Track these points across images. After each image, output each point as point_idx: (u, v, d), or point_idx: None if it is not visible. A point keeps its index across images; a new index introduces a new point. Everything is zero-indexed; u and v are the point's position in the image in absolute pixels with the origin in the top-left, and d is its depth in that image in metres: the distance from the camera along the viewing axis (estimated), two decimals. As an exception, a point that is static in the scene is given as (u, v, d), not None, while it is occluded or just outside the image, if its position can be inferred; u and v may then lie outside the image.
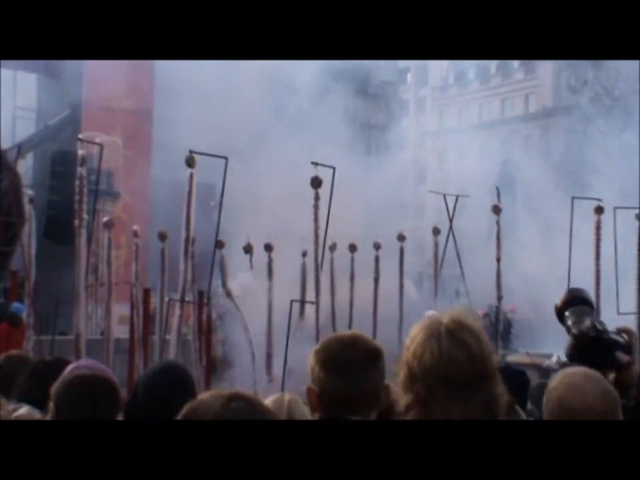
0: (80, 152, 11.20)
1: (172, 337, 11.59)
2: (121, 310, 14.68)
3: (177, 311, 11.55)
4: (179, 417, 1.80)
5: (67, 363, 4.14)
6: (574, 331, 5.08)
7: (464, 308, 2.35)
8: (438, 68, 60.94)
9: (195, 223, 11.15)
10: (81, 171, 10.95)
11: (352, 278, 15.93)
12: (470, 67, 59.27)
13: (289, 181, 18.68)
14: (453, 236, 14.74)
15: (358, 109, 26.07)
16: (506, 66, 57.79)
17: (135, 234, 13.09)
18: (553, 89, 54.02)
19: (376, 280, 15.89)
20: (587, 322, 4.85)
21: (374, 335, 13.79)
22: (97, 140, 14.13)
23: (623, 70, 44.30)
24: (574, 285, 12.81)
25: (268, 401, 3.55)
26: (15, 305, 13.32)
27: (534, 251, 26.22)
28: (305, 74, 21.73)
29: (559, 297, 6.23)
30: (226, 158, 11.18)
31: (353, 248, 16.01)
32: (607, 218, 12.75)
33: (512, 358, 15.11)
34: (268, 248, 14.84)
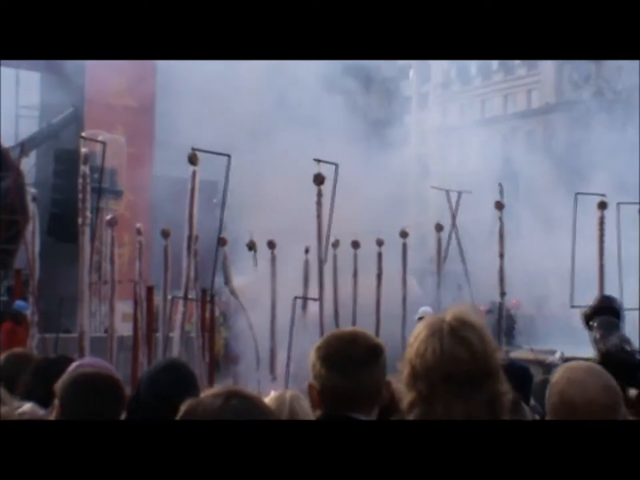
0: (83, 150, 11.21)
1: (175, 334, 11.62)
2: (124, 307, 14.68)
3: (180, 309, 11.58)
4: (179, 416, 1.79)
5: (70, 360, 4.15)
6: (600, 346, 5.02)
7: (467, 305, 2.35)
8: (440, 64, 60.84)
9: (198, 221, 11.17)
10: (84, 169, 10.97)
11: (355, 274, 15.93)
12: (472, 63, 59.16)
13: (291, 177, 18.68)
14: (456, 232, 14.74)
15: (360, 106, 26.04)
16: (508, 62, 57.70)
17: (138, 232, 13.10)
18: (555, 85, 53.92)
19: (379, 276, 15.88)
20: (614, 339, 4.79)
21: (377, 332, 13.80)
22: (100, 138, 14.17)
23: (625, 64, 44.21)
24: (577, 280, 12.85)
25: (270, 398, 3.55)
26: (18, 303, 13.34)
27: (537, 246, 26.21)
28: (307, 71, 21.72)
29: (589, 302, 6.14)
30: (228, 155, 11.20)
31: (355, 244, 16.01)
32: (609, 213, 12.75)
33: (515, 354, 15.09)
34: (271, 245, 14.85)
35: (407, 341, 2.30)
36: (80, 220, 10.84)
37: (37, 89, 25.62)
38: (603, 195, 12.88)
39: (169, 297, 12.07)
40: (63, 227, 19.42)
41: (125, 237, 18.17)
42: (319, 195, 11.98)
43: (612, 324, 5.57)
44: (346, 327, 6.09)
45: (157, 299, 12.86)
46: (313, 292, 13.21)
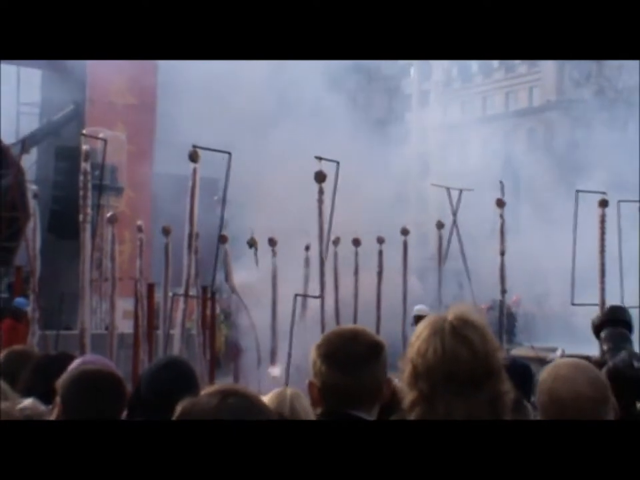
0: (84, 147, 11.21)
1: (176, 331, 11.62)
2: (125, 305, 14.68)
3: (181, 306, 11.58)
4: (175, 416, 1.78)
5: (71, 357, 4.14)
6: (608, 360, 4.99)
7: (469, 304, 2.35)
8: (441, 62, 60.75)
9: (199, 218, 11.17)
10: (85, 166, 10.96)
11: (356, 272, 15.94)
12: (473, 61, 59.17)
13: (292, 175, 18.68)
14: (457, 230, 14.73)
15: (361, 103, 26.04)
16: (509, 60, 57.67)
17: (139, 229, 13.10)
18: (556, 83, 53.90)
19: (379, 274, 15.88)
20: (623, 354, 4.76)
21: (377, 330, 13.81)
22: (101, 135, 14.14)
23: (626, 62, 44.18)
24: (578, 278, 12.84)
25: (270, 395, 3.55)
26: (19, 300, 13.34)
27: (538, 244, 26.22)
28: (308, 69, 21.70)
29: (597, 314, 6.10)
30: (229, 153, 11.19)
31: (356, 242, 16.01)
32: (610, 211, 12.74)
33: (516, 352, 15.10)
34: (272, 242, 14.86)
35: (407, 339, 2.30)
36: (81, 217, 10.84)
37: (38, 86, 25.63)
38: (604, 193, 12.87)
39: (170, 294, 12.06)
40: (63, 224, 19.42)
41: (125, 234, 18.18)
42: (320, 192, 11.97)
43: (622, 337, 5.53)
44: (347, 324, 6.08)
45: (158, 296, 12.86)
46: (314, 289, 13.20)
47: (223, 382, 8.81)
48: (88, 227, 10.98)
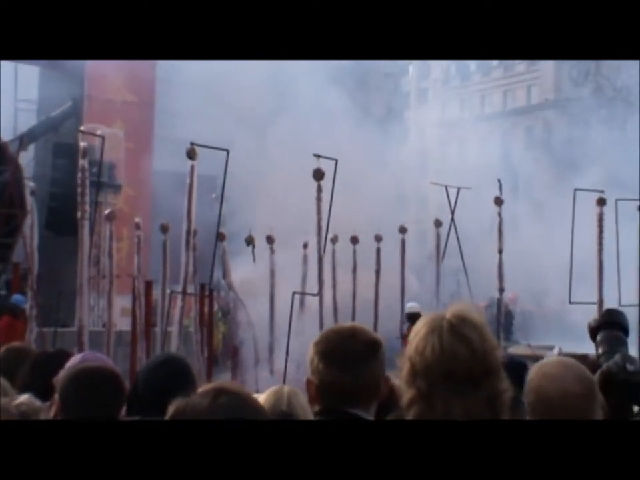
0: (81, 144, 11.20)
1: (174, 329, 11.61)
2: (122, 302, 14.69)
3: (179, 303, 11.58)
4: (168, 417, 1.76)
5: (68, 355, 4.14)
6: (602, 363, 5.00)
7: (468, 302, 2.34)
8: (439, 60, 60.77)
9: (197, 216, 11.17)
10: (83, 163, 10.96)
11: (354, 270, 15.95)
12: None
13: (291, 173, 18.68)
14: (455, 228, 14.73)
15: (360, 101, 26.02)
16: (508, 58, 57.59)
17: (137, 226, 13.10)
18: (554, 81, 53.88)
19: (377, 272, 15.90)
20: (617, 357, 4.76)
21: (375, 327, 13.81)
22: (99, 132, 14.13)
23: (625, 61, 44.17)
24: (576, 276, 12.85)
25: (268, 393, 3.56)
26: (16, 297, 13.33)
27: (536, 242, 26.24)
28: (307, 67, 21.69)
29: (594, 317, 6.11)
30: (227, 150, 11.18)
31: (354, 240, 16.02)
32: (608, 210, 12.75)
33: (513, 350, 15.12)
34: (270, 240, 14.86)
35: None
36: (79, 214, 10.83)
37: (36, 82, 25.58)
38: (602, 192, 12.88)
39: (168, 291, 12.07)
40: (61, 221, 19.41)
41: (123, 231, 18.16)
42: (319, 190, 11.97)
43: (618, 340, 5.54)
44: (345, 322, 6.09)
45: (156, 293, 12.87)
46: (312, 287, 13.21)
47: (221, 379, 8.81)
48: (86, 224, 10.98)
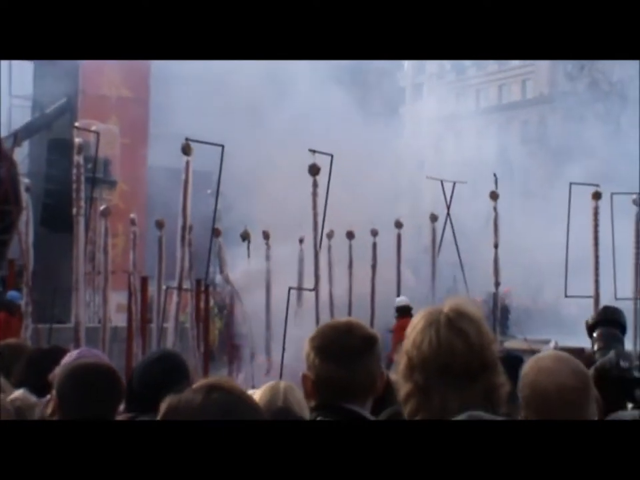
0: (76, 140, 11.18)
1: (169, 324, 11.61)
2: (118, 298, 14.67)
3: (175, 299, 11.56)
4: (160, 414, 1.75)
5: (64, 351, 4.13)
6: (597, 359, 5.02)
7: (466, 297, 2.35)
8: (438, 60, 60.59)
9: (193, 211, 11.16)
10: (78, 159, 10.93)
11: (350, 265, 15.95)
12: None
13: (287, 168, 18.66)
14: (451, 222, 14.75)
15: (355, 96, 25.99)
16: (503, 52, 57.46)
17: (132, 222, 13.08)
18: (549, 75, 53.91)
19: (373, 267, 15.92)
20: (611, 354, 4.77)
21: (371, 322, 13.83)
22: (94, 128, 14.12)
23: (620, 55, 43.99)
24: (571, 270, 12.87)
25: (264, 388, 3.55)
26: (11, 294, 13.31)
27: (531, 237, 26.25)
28: (303, 63, 21.66)
29: (591, 316, 6.12)
30: (222, 145, 11.16)
31: (350, 235, 16.02)
32: (604, 203, 12.77)
33: (509, 344, 15.13)
34: (265, 235, 14.86)
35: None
36: (74, 210, 10.81)
37: (30, 78, 25.51)
38: (597, 185, 12.89)
39: (163, 287, 12.05)
40: (56, 217, 19.37)
41: (118, 227, 18.15)
42: (314, 185, 11.98)
43: (614, 337, 5.56)
44: (341, 317, 6.09)
45: (151, 289, 12.85)
46: (309, 282, 13.21)
47: (217, 375, 8.81)
48: (81, 220, 10.96)
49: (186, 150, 10.83)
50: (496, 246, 13.52)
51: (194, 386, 1.78)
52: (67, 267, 11.30)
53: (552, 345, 11.57)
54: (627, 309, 10.55)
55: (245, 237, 14.94)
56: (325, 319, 11.24)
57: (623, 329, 5.78)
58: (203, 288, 13.03)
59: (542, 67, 54.24)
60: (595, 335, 5.63)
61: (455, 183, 14.86)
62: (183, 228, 11.03)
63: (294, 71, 22.78)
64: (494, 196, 13.74)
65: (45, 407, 3.51)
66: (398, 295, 15.46)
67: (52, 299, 16.46)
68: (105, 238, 12.68)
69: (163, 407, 1.75)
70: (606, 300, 11.98)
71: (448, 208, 14.77)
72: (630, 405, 4.24)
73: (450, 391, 2.08)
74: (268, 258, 14.78)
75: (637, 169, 20.01)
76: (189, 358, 9.33)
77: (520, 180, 36.23)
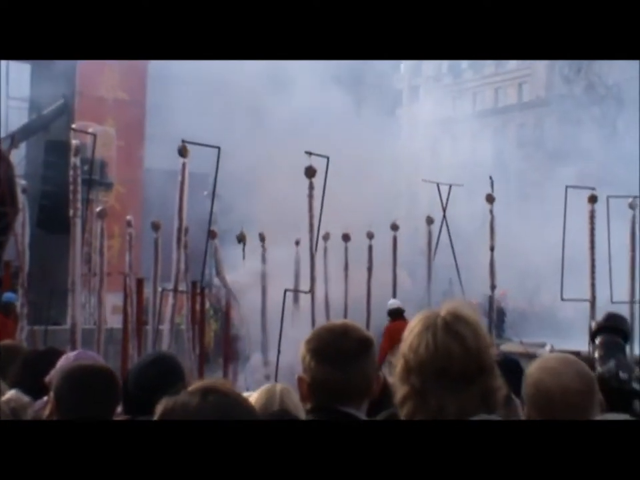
0: (73, 142, 11.17)
1: (165, 326, 11.60)
2: (114, 300, 14.66)
3: (170, 301, 11.56)
4: (156, 417, 1.75)
5: (59, 353, 4.12)
6: (597, 367, 5.01)
7: (462, 300, 2.35)
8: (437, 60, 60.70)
9: (188, 213, 11.15)
10: (75, 160, 10.92)
11: (346, 267, 15.95)
12: (464, 56, 59.00)
13: (283, 170, 18.65)
14: (447, 225, 14.76)
15: (352, 99, 26.01)
16: (499, 55, 57.47)
17: (129, 224, 13.07)
18: (546, 78, 53.95)
19: (369, 269, 15.91)
20: (611, 364, 4.76)
21: (367, 325, 13.81)
22: (90, 130, 14.11)
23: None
24: (567, 273, 12.87)
25: (260, 391, 3.55)
26: (7, 295, 13.29)
27: (528, 240, 26.25)
28: (300, 64, 21.68)
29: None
30: (218, 147, 11.16)
31: (346, 237, 16.03)
32: (600, 207, 12.78)
33: (505, 347, 15.15)
34: (262, 237, 14.85)
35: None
36: (70, 212, 10.79)
37: (27, 80, 25.50)
38: (593, 189, 12.91)
39: (159, 289, 12.04)
40: (52, 219, 19.34)
41: (114, 229, 18.14)
42: (310, 187, 11.98)
43: (616, 345, 5.54)
44: (337, 319, 6.08)
45: (147, 291, 12.84)
46: (304, 285, 13.21)
47: (213, 377, 8.80)
48: (77, 221, 10.94)
49: (182, 152, 10.83)
50: (492, 249, 13.52)
51: (189, 388, 1.78)
52: (63, 268, 11.29)
53: (547, 348, 11.59)
54: (623, 312, 10.56)
55: (241, 239, 14.95)
56: (321, 321, 11.24)
57: (625, 337, 5.76)
58: (198, 290, 13.03)
59: (538, 69, 54.29)
60: (597, 341, 5.61)
61: (451, 186, 14.88)
62: (179, 230, 11.02)
63: (291, 73, 22.80)
64: (490, 199, 13.75)
65: (43, 408, 3.50)
66: (394, 298, 15.46)
67: (48, 300, 16.45)
68: (101, 239, 12.67)
69: (159, 409, 1.74)
70: (602, 303, 12.00)
71: (444, 210, 14.78)
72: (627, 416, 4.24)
73: (447, 394, 2.08)
74: (264, 260, 14.78)
75: (633, 172, 20.06)
76: (184, 360, 9.33)
77: (516, 183, 36.22)
